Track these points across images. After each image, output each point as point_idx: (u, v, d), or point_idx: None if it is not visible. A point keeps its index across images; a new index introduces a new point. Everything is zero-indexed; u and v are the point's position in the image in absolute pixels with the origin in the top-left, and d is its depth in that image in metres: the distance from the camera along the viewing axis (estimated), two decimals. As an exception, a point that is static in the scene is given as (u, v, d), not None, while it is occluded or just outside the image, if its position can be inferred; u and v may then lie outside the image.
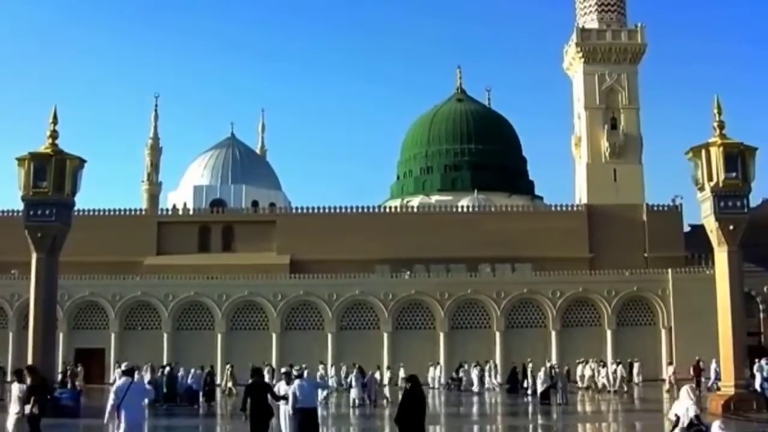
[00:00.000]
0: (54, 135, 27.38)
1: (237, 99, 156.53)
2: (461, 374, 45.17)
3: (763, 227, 43.12)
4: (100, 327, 52.20)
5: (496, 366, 47.15)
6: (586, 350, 47.95)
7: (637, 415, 31.07)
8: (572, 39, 66.96)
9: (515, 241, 56.77)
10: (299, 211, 61.92)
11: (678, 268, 52.99)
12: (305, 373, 18.59)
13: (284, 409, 17.13)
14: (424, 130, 77.10)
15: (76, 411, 26.26)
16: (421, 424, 14.49)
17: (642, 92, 66.02)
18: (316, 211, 60.80)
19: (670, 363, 46.47)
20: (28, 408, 15.45)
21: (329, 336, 51.78)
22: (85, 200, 53.71)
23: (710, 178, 26.26)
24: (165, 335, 51.65)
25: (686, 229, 58.74)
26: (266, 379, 26.80)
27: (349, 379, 36.75)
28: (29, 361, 25.89)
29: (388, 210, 65.76)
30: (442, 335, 51.96)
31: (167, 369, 34.59)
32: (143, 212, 66.76)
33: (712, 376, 38.78)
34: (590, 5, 68.10)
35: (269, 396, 16.56)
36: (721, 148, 26.24)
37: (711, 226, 26.59)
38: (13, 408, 15.77)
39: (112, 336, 51.55)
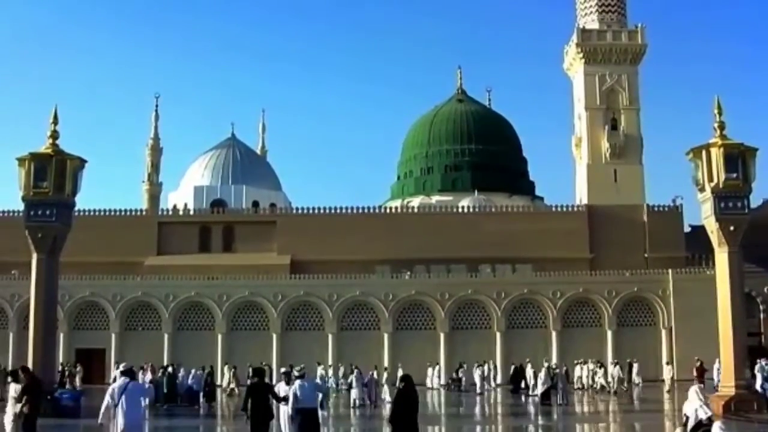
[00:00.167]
0: (54, 135, 27.40)
1: (237, 99, 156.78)
2: (461, 374, 45.19)
3: (763, 228, 43.11)
4: (100, 327, 52.22)
5: (495, 367, 47.20)
6: (587, 351, 47.96)
7: (636, 416, 31.06)
8: (573, 39, 66.98)
9: (516, 241, 56.77)
10: (300, 211, 61.93)
11: (678, 269, 52.99)
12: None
13: (284, 410, 17.11)
14: (425, 131, 77.11)
15: (77, 411, 26.26)
16: (414, 423, 14.50)
17: (642, 93, 66.14)
18: (316, 211, 60.81)
19: (667, 363, 46.49)
20: (19, 407, 15.61)
21: (330, 336, 51.78)
22: (85, 200, 53.72)
23: (711, 179, 26.27)
24: (165, 335, 51.66)
25: (687, 229, 58.71)
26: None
27: (349, 380, 36.79)
28: (30, 361, 25.97)
29: (388, 210, 65.76)
30: (442, 336, 51.96)
31: (170, 369, 34.59)
32: (144, 212, 66.78)
33: (715, 377, 38.70)
34: (591, 6, 68.11)
35: (271, 397, 16.55)
36: (722, 149, 26.26)
37: (711, 226, 26.59)
38: (10, 408, 15.92)
39: (113, 336, 51.56)
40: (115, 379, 17.08)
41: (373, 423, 27.73)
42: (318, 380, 34.26)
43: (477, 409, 33.54)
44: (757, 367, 32.35)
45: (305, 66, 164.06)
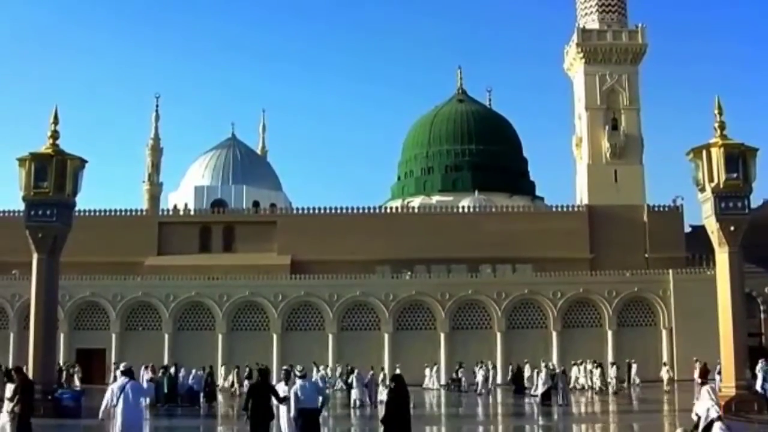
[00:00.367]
0: (55, 135, 27.35)
1: (238, 99, 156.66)
2: (461, 375, 45.19)
3: (764, 228, 43.07)
4: (100, 327, 52.22)
5: (494, 367, 47.16)
6: (587, 351, 47.98)
7: (635, 416, 31.08)
8: (573, 39, 66.95)
9: (516, 241, 56.77)
10: (300, 211, 61.93)
11: (679, 269, 52.98)
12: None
13: (284, 410, 17.08)
14: (425, 131, 77.12)
15: (78, 411, 26.25)
16: (407, 423, 14.48)
17: (643, 93, 66.03)
18: (316, 211, 60.82)
19: (665, 364, 46.53)
20: (10, 407, 15.80)
21: (330, 337, 51.79)
22: (85, 201, 53.44)
23: (711, 179, 26.24)
24: (166, 336, 51.66)
25: (687, 229, 58.71)
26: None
27: (349, 380, 36.78)
28: (30, 361, 25.97)
29: (388, 210, 65.78)
30: (442, 336, 51.95)
31: (172, 369, 34.57)
32: (144, 213, 66.78)
33: (717, 378, 38.67)
34: (591, 6, 68.07)
35: (272, 397, 16.52)
36: (722, 149, 26.22)
37: (712, 226, 26.57)
38: (6, 407, 16.11)
39: (113, 336, 51.57)
40: (115, 379, 17.10)
41: (373, 423, 27.68)
42: (319, 382, 34.27)
43: (479, 410, 33.54)
44: (757, 367, 32.36)
45: (305, 66, 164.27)
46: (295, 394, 16.81)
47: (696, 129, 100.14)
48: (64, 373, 38.56)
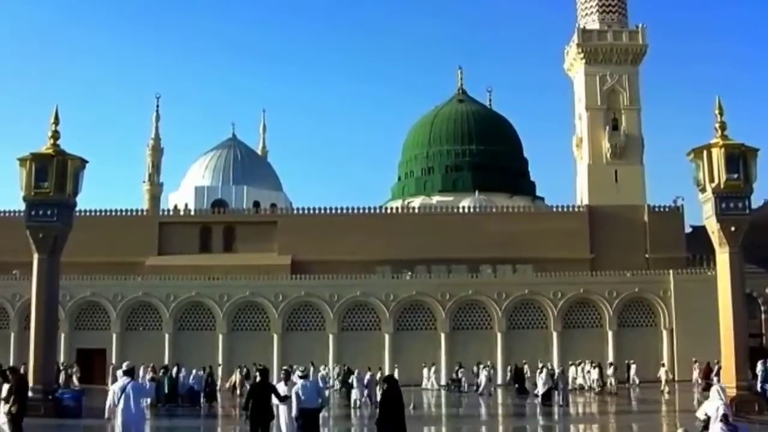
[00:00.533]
0: (55, 135, 27.36)
1: (238, 100, 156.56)
2: (461, 375, 45.18)
3: (764, 228, 43.07)
4: (101, 327, 52.21)
5: (493, 367, 47.12)
6: (587, 351, 48.01)
7: (634, 416, 31.11)
8: (573, 40, 66.90)
9: (516, 241, 56.78)
10: (300, 211, 61.93)
11: (679, 269, 52.96)
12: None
13: (283, 410, 17.09)
14: (425, 131, 77.10)
15: (78, 411, 26.27)
16: (402, 424, 14.48)
17: (643, 93, 65.90)
18: (317, 211, 60.82)
19: (663, 364, 46.51)
20: (6, 407, 15.85)
21: (330, 337, 51.79)
22: (86, 201, 53.40)
23: (712, 179, 26.24)
24: (166, 336, 51.67)
25: (687, 230, 58.71)
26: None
27: (349, 380, 36.79)
28: (31, 361, 25.98)
29: (389, 211, 65.76)
30: (443, 336, 51.94)
31: (174, 369, 34.58)
32: (144, 213, 66.75)
33: (716, 379, 38.68)
34: (591, 6, 68.04)
35: (274, 397, 16.51)
36: (723, 149, 26.21)
37: (712, 227, 26.57)
38: (3, 408, 16.14)
39: (114, 336, 51.56)
40: (116, 379, 17.12)
41: (373, 423, 27.73)
42: (320, 382, 34.33)
43: (481, 410, 33.53)
44: (757, 368, 32.36)
45: (305, 66, 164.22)
46: (296, 393, 16.82)
47: (696, 129, 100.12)
48: (63, 373, 38.58)
